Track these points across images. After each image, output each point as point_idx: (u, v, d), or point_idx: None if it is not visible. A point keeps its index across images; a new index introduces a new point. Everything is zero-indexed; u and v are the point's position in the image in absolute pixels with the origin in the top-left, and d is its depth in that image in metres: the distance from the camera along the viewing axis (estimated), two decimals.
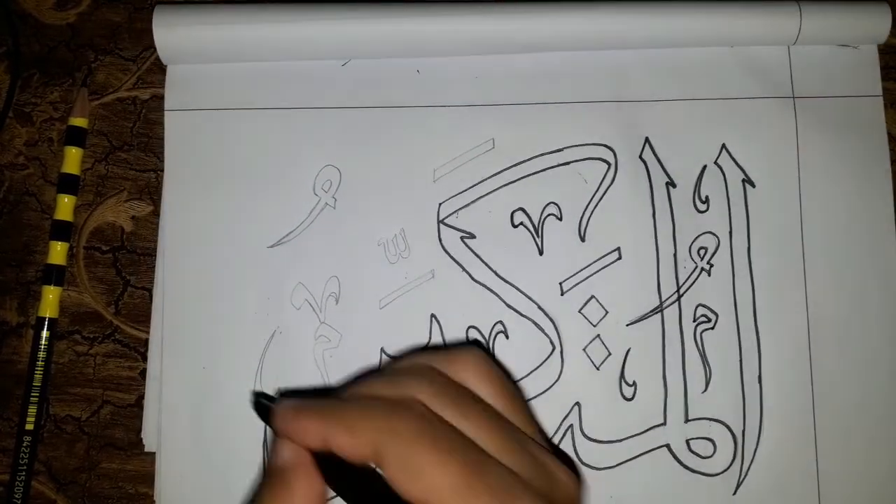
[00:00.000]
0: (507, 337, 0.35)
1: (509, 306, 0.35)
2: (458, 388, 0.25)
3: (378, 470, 0.22)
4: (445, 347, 0.30)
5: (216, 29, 0.34)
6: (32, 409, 0.34)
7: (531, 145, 0.36)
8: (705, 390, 0.34)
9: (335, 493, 0.23)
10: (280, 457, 0.24)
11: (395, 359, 0.30)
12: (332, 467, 0.23)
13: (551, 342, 0.34)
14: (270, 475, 0.24)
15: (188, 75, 0.36)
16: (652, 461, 0.34)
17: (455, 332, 0.34)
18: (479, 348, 0.31)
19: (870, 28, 0.36)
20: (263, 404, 0.25)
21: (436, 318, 0.34)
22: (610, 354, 0.34)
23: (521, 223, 0.35)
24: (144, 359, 0.35)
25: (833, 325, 0.35)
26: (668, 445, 0.34)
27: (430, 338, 0.34)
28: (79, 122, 0.36)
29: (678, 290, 0.35)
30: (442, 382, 0.25)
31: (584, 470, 0.33)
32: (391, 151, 0.36)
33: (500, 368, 0.28)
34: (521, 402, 0.27)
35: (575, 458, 0.33)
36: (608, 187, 0.36)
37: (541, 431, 0.28)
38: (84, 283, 0.35)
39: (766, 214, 0.36)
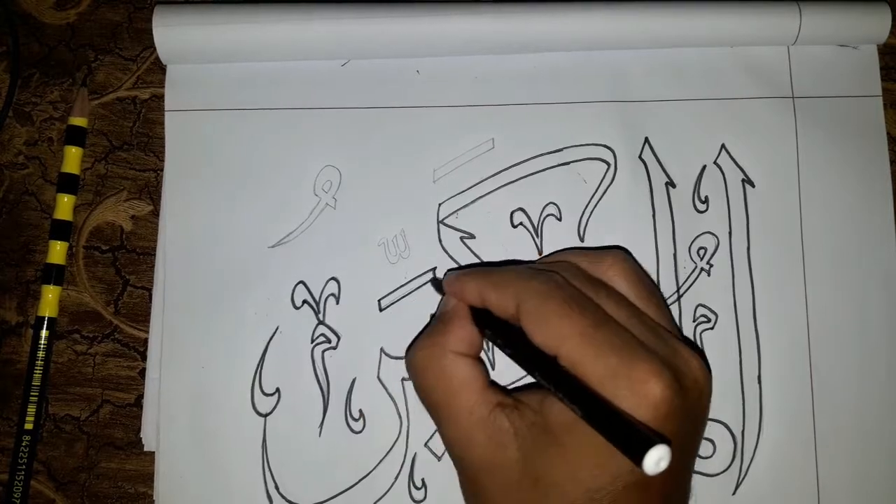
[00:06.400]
0: None
1: None
2: (595, 278, 0.28)
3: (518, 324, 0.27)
4: (592, 249, 0.33)
5: (216, 29, 0.34)
6: (32, 409, 0.34)
7: (531, 145, 0.36)
8: None
9: (486, 338, 0.29)
10: (445, 306, 0.30)
11: (544, 258, 0.33)
12: (485, 320, 0.29)
13: None
14: (436, 318, 0.30)
15: (188, 75, 0.36)
16: None
17: None
18: (623, 251, 0.32)
19: (869, 28, 0.36)
20: (436, 278, 0.34)
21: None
22: None
23: (521, 223, 0.35)
24: (144, 358, 0.35)
25: (833, 325, 0.35)
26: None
27: None
28: (78, 121, 0.36)
29: (678, 291, 0.35)
30: (581, 272, 0.29)
31: None
32: (391, 151, 0.36)
33: (642, 270, 0.31)
34: (659, 300, 0.29)
35: None
36: (608, 187, 0.36)
37: (678, 329, 0.29)
38: (83, 283, 0.35)
39: (765, 214, 0.36)
